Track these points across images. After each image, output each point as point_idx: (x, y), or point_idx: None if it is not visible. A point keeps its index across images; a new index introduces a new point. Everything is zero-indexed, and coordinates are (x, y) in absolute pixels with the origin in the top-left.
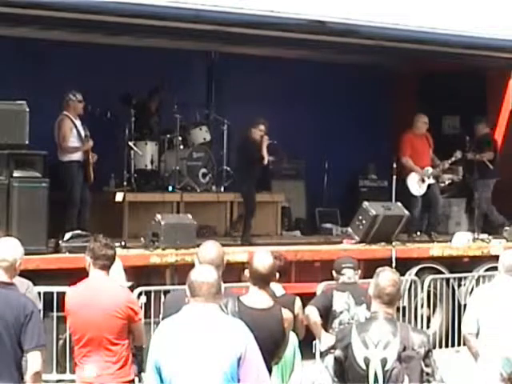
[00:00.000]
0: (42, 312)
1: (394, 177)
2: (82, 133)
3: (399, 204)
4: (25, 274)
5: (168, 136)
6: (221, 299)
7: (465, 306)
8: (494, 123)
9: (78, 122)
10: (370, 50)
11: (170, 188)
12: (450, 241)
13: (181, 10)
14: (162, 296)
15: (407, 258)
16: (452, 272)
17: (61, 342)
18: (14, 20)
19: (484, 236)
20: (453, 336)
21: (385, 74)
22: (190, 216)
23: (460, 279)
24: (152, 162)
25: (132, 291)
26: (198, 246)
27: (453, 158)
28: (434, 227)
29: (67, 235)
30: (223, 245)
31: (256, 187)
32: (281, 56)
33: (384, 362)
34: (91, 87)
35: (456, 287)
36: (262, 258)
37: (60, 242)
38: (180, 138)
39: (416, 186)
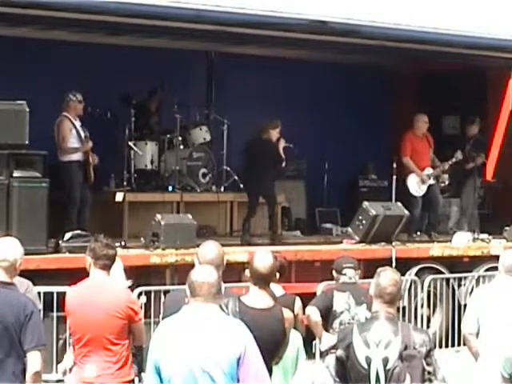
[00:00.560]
0: (41, 312)
1: (394, 177)
2: (82, 134)
3: (399, 204)
4: (25, 273)
5: (168, 136)
6: (221, 299)
7: (465, 306)
8: (494, 123)
9: (78, 123)
10: (372, 49)
11: (170, 188)
12: (450, 241)
13: (181, 10)
14: (162, 296)
15: (407, 258)
16: (452, 272)
17: (61, 342)
18: (14, 20)
19: (484, 236)
20: (453, 336)
21: (385, 74)
22: (189, 216)
23: (460, 279)
24: (152, 162)
25: (132, 291)
26: (198, 246)
27: (453, 159)
28: (434, 227)
29: (67, 235)
30: (223, 245)
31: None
32: (281, 56)
33: (385, 361)
34: (91, 87)
35: (456, 287)
36: (263, 258)
37: (60, 242)
38: (180, 138)
39: (416, 186)
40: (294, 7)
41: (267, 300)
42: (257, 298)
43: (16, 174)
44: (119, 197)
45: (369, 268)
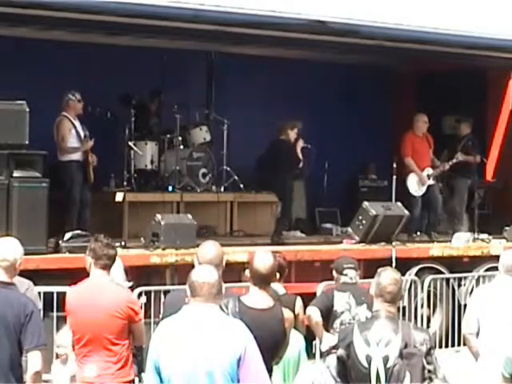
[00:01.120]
0: (42, 312)
1: (394, 177)
2: (82, 133)
3: (399, 204)
4: (25, 273)
5: (168, 136)
6: (221, 299)
7: (465, 306)
8: (494, 123)
9: (77, 123)
10: (371, 50)
11: (170, 188)
12: (450, 241)
13: (181, 10)
14: (162, 296)
15: (407, 258)
16: (452, 272)
17: None
18: (14, 20)
19: (484, 236)
20: (453, 336)
21: (385, 74)
22: (189, 216)
23: (460, 279)
24: (152, 162)
25: (132, 291)
26: (198, 246)
27: (454, 160)
28: (433, 227)
29: (67, 235)
30: (223, 245)
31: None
32: (280, 56)
33: (386, 359)
34: (91, 87)
35: (456, 287)
36: (263, 258)
37: (60, 241)
38: (180, 138)
39: (415, 186)
40: (293, 7)
41: (267, 300)
42: (257, 298)
43: (16, 174)
44: (119, 197)
45: (369, 268)
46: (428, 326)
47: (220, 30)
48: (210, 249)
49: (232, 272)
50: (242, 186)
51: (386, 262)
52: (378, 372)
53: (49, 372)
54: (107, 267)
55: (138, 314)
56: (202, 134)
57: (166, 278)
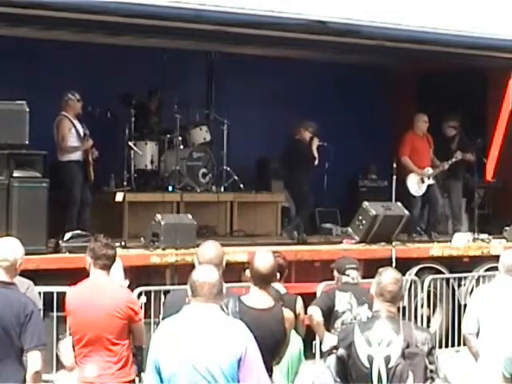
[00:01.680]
0: (42, 312)
1: (394, 177)
2: (81, 132)
3: (399, 204)
4: (25, 274)
5: (168, 136)
6: (222, 299)
7: (465, 306)
8: (494, 123)
9: (77, 122)
10: (371, 50)
11: (170, 188)
12: (450, 241)
13: (181, 10)
14: (162, 296)
15: (407, 258)
16: (452, 272)
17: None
18: (14, 20)
19: (484, 236)
20: (453, 336)
21: (385, 74)
22: (189, 216)
23: (460, 279)
24: (152, 162)
25: (132, 291)
26: (198, 246)
27: (453, 159)
28: (434, 227)
29: (67, 235)
30: (223, 245)
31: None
32: (281, 56)
33: (388, 359)
34: (91, 87)
35: (456, 287)
36: (263, 258)
37: (60, 241)
38: (180, 138)
39: (415, 186)
40: (293, 7)
41: (267, 300)
42: (257, 298)
43: (16, 173)
44: (119, 197)
45: (369, 268)
46: (428, 326)
47: (220, 30)
48: (210, 249)
49: (232, 272)
50: (242, 185)
51: (386, 262)
52: (379, 372)
53: (50, 372)
54: (106, 267)
55: (138, 314)
56: (202, 134)
57: (166, 278)
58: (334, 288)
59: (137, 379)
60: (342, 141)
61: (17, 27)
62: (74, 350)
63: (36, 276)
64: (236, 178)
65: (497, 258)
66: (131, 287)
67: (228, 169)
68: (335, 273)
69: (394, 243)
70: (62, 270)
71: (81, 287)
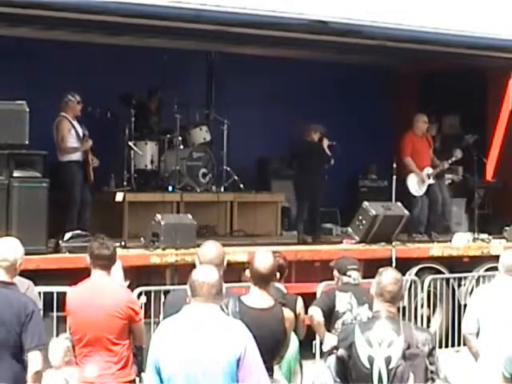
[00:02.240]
0: (42, 312)
1: (394, 177)
2: (81, 133)
3: (399, 204)
4: (25, 274)
5: (168, 136)
6: (221, 300)
7: (465, 306)
8: (494, 123)
9: (76, 123)
10: (372, 49)
11: (170, 188)
12: (450, 241)
13: (182, 10)
14: (162, 296)
15: (407, 258)
16: (452, 272)
17: None
18: (14, 20)
19: (484, 236)
20: (453, 336)
21: (386, 74)
22: (189, 216)
23: (460, 279)
24: (152, 162)
25: (132, 291)
26: (198, 245)
27: (453, 158)
28: (434, 227)
29: (67, 235)
30: (223, 245)
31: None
32: (281, 56)
33: (388, 360)
34: (91, 87)
35: (456, 287)
36: (263, 257)
37: (60, 241)
38: (180, 138)
39: (416, 186)
40: (294, 7)
41: (267, 300)
42: (257, 298)
43: (16, 173)
44: (119, 197)
45: (369, 268)
46: (428, 326)
47: (221, 30)
48: (211, 249)
49: (232, 272)
50: (242, 185)
51: (386, 262)
52: (380, 373)
53: None
54: (106, 267)
55: (138, 314)
56: (201, 134)
57: (166, 278)
58: (333, 288)
59: (137, 379)
60: (342, 141)
61: (17, 27)
62: (74, 350)
63: (36, 276)
64: (236, 178)
65: (497, 258)
66: (131, 287)
67: (228, 169)
68: (336, 273)
69: (393, 243)
70: (62, 270)
71: (81, 287)
